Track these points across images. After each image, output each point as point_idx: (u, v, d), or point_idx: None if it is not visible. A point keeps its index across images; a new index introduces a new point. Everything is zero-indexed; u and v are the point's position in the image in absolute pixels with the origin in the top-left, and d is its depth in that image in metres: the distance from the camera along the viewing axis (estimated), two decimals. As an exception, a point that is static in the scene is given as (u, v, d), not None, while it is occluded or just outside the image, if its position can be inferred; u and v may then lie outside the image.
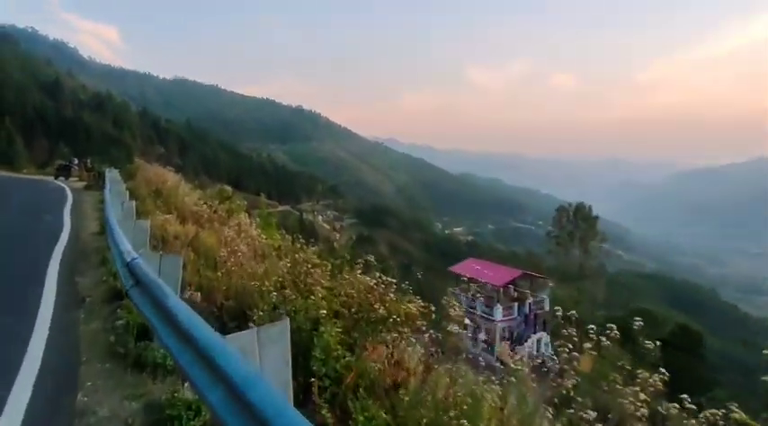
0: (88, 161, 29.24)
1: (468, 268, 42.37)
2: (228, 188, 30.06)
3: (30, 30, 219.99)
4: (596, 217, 45.46)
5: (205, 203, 14.54)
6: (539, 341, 38.82)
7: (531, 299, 38.51)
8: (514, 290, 40.05)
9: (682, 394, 3.34)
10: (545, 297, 39.23)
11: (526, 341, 37.98)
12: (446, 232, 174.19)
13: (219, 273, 6.45)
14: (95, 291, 6.17)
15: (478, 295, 40.97)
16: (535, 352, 37.32)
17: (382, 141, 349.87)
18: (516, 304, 37.90)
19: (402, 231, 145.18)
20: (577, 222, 45.57)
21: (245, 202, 19.07)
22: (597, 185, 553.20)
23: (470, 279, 41.63)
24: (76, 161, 31.03)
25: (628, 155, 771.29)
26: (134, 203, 8.48)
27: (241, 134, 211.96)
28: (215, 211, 12.81)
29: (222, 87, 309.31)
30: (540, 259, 56.72)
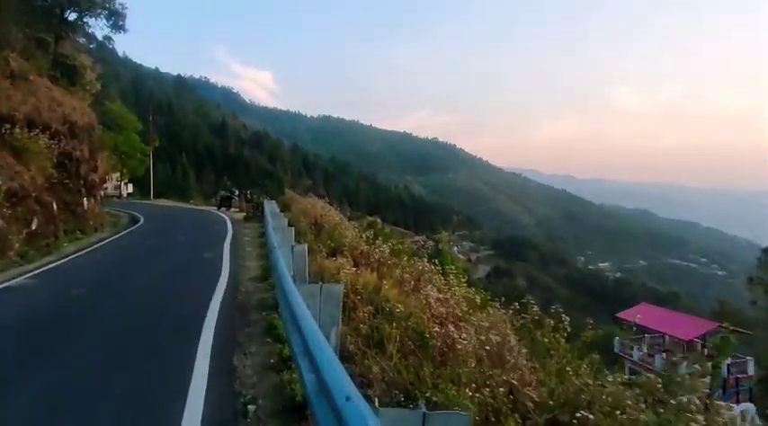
0: (248, 192, 30.06)
1: (642, 315, 36.59)
2: (377, 220, 28.86)
3: (204, 79, 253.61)
4: None
5: (368, 239, 12.83)
6: (742, 413, 31.20)
7: (729, 360, 31.60)
8: (703, 347, 33.48)
9: None
10: (748, 358, 32.01)
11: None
12: (590, 267, 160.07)
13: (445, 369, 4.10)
14: (262, 388, 4.22)
15: (659, 348, 34.95)
16: (736, 427, 29.72)
17: (521, 172, 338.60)
18: (709, 364, 31.07)
19: (541, 264, 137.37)
20: None
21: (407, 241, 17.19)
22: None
23: (641, 328, 35.82)
24: (237, 192, 32.24)
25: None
26: (305, 247, 6.69)
27: (380, 166, 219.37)
28: (382, 251, 10.81)
29: (362, 122, 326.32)
30: (731, 307, 47.47)
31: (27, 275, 9.92)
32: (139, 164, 48.90)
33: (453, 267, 10.78)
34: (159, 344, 5.46)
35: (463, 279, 9.42)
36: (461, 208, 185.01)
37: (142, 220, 23.13)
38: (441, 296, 7.07)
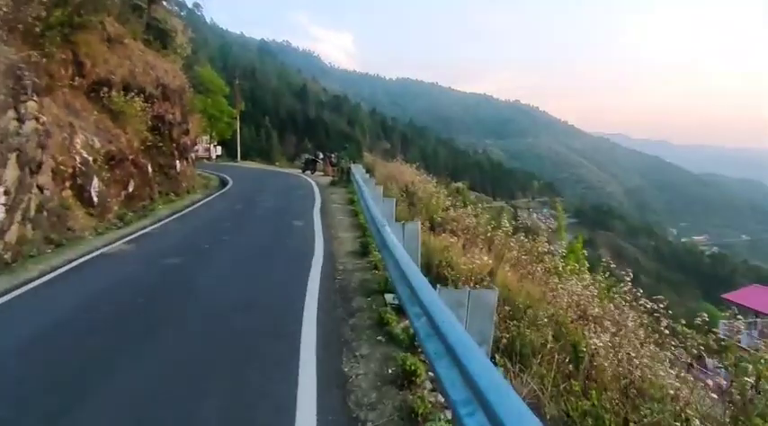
0: (333, 156, 29.48)
1: (751, 297, 33.10)
2: (464, 186, 27.48)
3: (285, 43, 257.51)
4: None
5: (465, 209, 11.80)
6: None
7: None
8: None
9: None
10: None
11: None
12: (683, 240, 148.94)
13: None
14: (383, 412, 3.38)
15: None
16: None
17: (608, 136, 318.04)
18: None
19: (629, 235, 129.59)
20: None
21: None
22: None
23: (751, 311, 32.35)
24: (321, 155, 31.84)
25: None
26: (418, 225, 5.77)
27: (458, 130, 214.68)
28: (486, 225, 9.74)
29: (441, 84, 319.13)
30: None
31: (124, 240, 9.90)
32: (227, 128, 50.18)
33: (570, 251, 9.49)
34: (256, 340, 4.82)
35: (585, 264, 8.17)
36: (542, 173, 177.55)
37: (231, 183, 23.35)
38: (579, 289, 5.93)
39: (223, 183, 23.66)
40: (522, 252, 7.55)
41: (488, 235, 8.55)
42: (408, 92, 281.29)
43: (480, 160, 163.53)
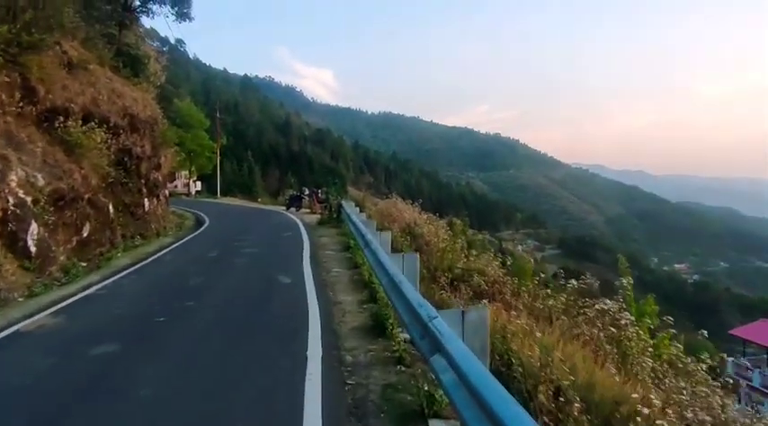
0: (320, 192, 27.44)
1: (762, 332, 31.78)
2: (461, 222, 25.73)
3: (268, 79, 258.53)
4: None
5: (482, 255, 9.97)
6: None
7: None
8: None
9: None
10: None
11: None
12: (664, 268, 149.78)
13: None
14: None
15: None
16: None
17: (587, 167, 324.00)
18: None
19: (612, 265, 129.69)
20: None
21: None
22: None
23: (761, 347, 31.17)
24: (307, 191, 29.85)
25: None
26: (485, 313, 3.87)
27: (441, 162, 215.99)
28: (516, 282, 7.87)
29: (422, 118, 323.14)
30: None
31: (54, 307, 7.60)
32: (207, 162, 48.46)
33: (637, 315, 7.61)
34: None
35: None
36: (525, 205, 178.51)
37: (207, 223, 21.20)
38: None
39: (199, 223, 21.49)
40: (587, 322, 5.65)
41: (533, 296, 6.67)
42: (390, 125, 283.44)
43: (464, 192, 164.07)
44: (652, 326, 6.98)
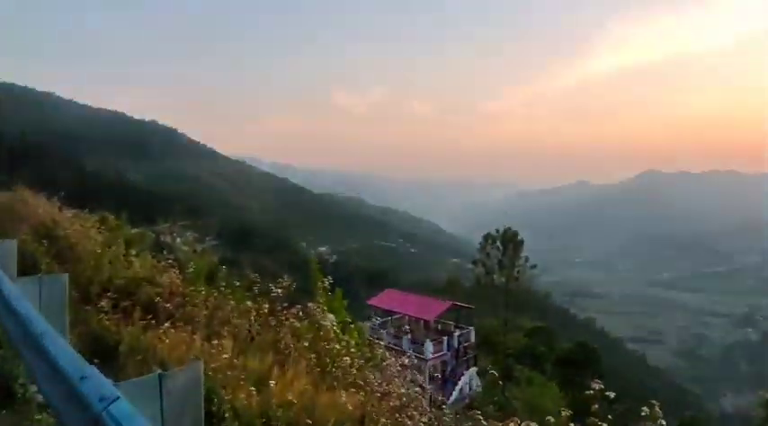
0: None
1: (389, 300, 39.12)
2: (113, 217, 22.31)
3: None
4: (522, 242, 45.12)
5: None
6: (470, 378, 36.58)
7: (457, 332, 36.23)
8: (438, 323, 37.62)
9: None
10: (470, 328, 37.27)
11: (459, 379, 35.52)
12: (311, 251, 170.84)
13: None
14: None
15: (406, 329, 37.44)
16: (468, 390, 34.85)
17: (245, 159, 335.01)
18: (445, 338, 35.33)
19: (268, 252, 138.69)
20: (505, 247, 44.84)
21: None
22: (451, 205, 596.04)
23: (387, 312, 38.28)
24: None
25: (478, 177, 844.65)
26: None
27: (86, 149, 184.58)
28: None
29: (61, 94, 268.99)
30: (457, 287, 55.42)
31: None
32: None
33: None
34: None
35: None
36: (184, 196, 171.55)
37: None
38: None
39: None
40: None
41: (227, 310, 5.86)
42: (12, 100, 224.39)
43: (113, 182, 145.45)
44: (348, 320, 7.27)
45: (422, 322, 37.20)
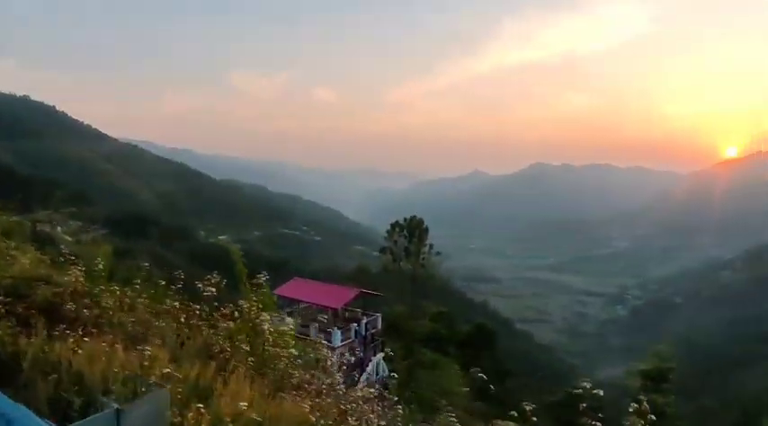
0: None
1: (296, 289, 38.71)
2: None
3: None
4: (427, 230, 46.44)
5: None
6: (377, 364, 37.54)
7: (365, 319, 36.84)
8: (345, 311, 37.99)
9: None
10: (378, 315, 38.09)
11: (367, 365, 36.26)
12: (211, 240, 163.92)
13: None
14: None
15: (322, 318, 37.35)
16: (375, 376, 35.77)
17: (137, 143, 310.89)
18: (353, 325, 35.79)
19: (165, 242, 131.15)
20: (412, 235, 45.87)
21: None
22: (355, 193, 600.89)
23: (294, 301, 38.01)
24: None
25: (381, 166, 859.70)
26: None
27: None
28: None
29: None
30: (365, 274, 56.01)
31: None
32: None
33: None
34: None
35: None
36: (66, 181, 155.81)
37: None
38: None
39: None
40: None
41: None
42: None
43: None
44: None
45: (330, 310, 37.22)
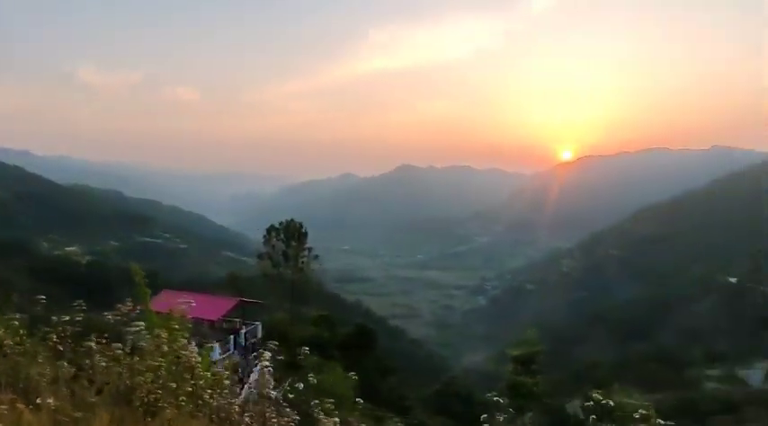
0: None
1: (168, 302, 36.65)
2: None
3: None
4: (306, 234, 46.45)
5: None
6: (259, 374, 37.18)
7: (244, 329, 36.33)
8: (223, 322, 37.11)
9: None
10: (257, 323, 37.71)
11: (248, 376, 36.01)
12: (56, 253, 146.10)
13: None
14: None
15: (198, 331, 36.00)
16: (257, 389, 35.58)
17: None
18: (232, 336, 35.14)
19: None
20: (290, 238, 45.47)
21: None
22: (220, 197, 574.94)
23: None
24: None
25: (247, 169, 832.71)
26: None
27: None
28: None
29: None
30: (239, 282, 54.20)
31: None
32: None
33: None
34: None
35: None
36: None
37: None
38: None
39: None
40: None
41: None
42: None
43: None
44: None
45: (206, 322, 36.00)
